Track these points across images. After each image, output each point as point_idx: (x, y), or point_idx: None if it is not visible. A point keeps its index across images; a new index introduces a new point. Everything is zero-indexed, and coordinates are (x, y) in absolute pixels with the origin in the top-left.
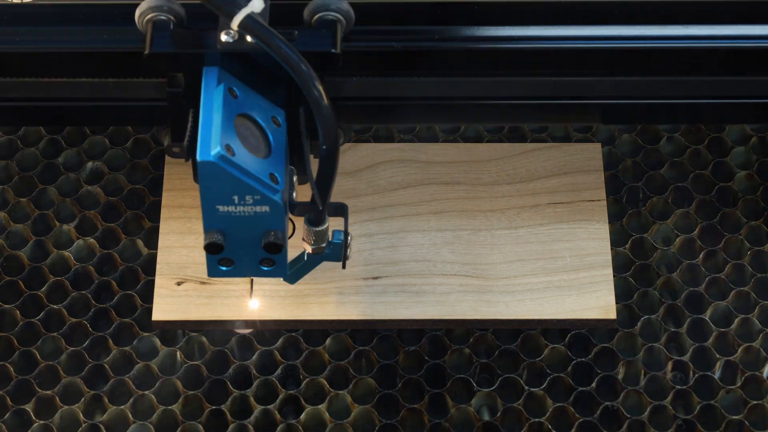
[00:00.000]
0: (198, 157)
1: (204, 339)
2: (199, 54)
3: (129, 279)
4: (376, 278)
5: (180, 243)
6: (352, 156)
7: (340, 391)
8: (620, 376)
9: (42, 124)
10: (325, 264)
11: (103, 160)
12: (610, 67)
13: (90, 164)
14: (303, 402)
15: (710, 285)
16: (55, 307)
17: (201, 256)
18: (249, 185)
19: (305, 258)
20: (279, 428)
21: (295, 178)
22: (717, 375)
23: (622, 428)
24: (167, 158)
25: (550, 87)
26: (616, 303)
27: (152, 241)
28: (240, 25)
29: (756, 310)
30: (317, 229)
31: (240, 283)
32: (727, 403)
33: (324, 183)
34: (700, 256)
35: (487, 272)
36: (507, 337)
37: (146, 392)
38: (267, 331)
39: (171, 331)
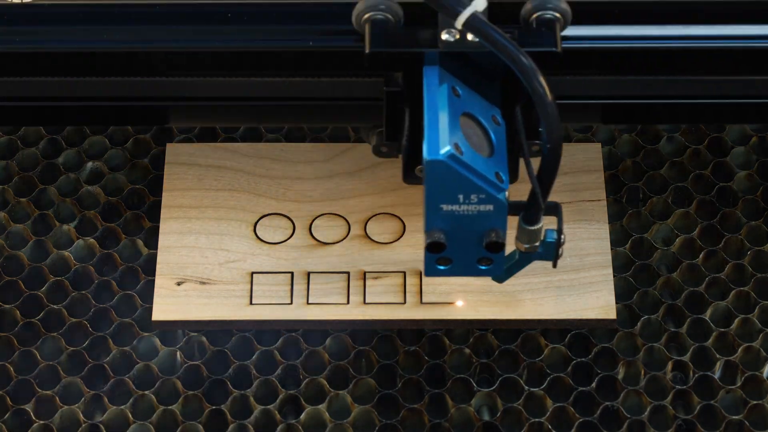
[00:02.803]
0: (427, 156)
1: (204, 339)
2: (420, 53)
3: (129, 279)
4: (376, 278)
5: (180, 243)
6: (352, 156)
7: (340, 391)
8: (620, 376)
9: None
10: (324, 264)
11: (103, 160)
12: (610, 66)
13: (90, 164)
14: (303, 402)
15: (710, 285)
16: (55, 307)
17: (201, 256)
18: (476, 184)
19: (516, 257)
20: (279, 428)
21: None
22: (717, 375)
23: (622, 428)
24: (167, 158)
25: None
26: (616, 303)
27: (152, 241)
28: (465, 24)
29: (756, 310)
30: (532, 228)
31: (240, 283)
32: (727, 403)
33: (546, 181)
34: (700, 256)
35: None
36: (507, 337)
37: (146, 392)
38: (267, 330)
39: (171, 331)
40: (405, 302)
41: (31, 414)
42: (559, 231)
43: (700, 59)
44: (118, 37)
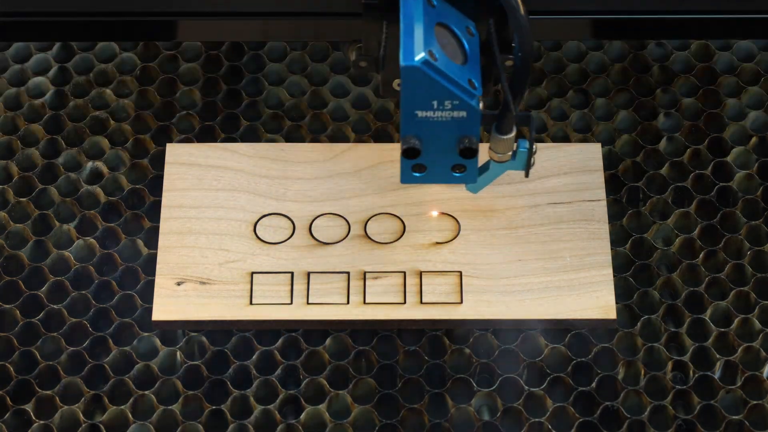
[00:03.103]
0: (402, 62)
1: (204, 339)
2: None
3: (129, 279)
4: (376, 278)
5: (180, 243)
6: (352, 156)
7: (340, 391)
8: (620, 376)
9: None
10: (325, 264)
11: (103, 160)
12: None
13: (90, 164)
14: (303, 402)
15: (710, 285)
16: (55, 307)
17: (201, 256)
18: (449, 90)
19: (489, 167)
20: (279, 428)
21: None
22: (717, 375)
23: (622, 428)
24: (167, 158)
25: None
26: (616, 303)
27: (152, 241)
28: None
29: (756, 310)
30: (505, 137)
31: (240, 283)
32: (727, 403)
33: (517, 90)
34: (700, 256)
35: (487, 272)
36: (507, 337)
37: (146, 392)
38: (267, 330)
39: (171, 331)
40: (405, 302)
41: (31, 414)
42: (531, 140)
43: None
44: None
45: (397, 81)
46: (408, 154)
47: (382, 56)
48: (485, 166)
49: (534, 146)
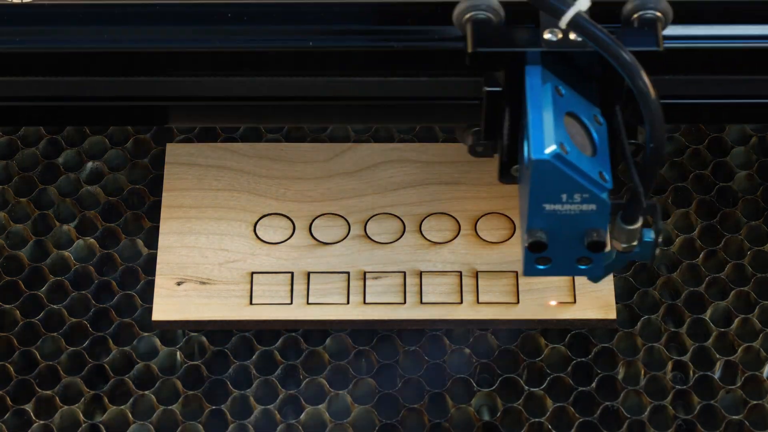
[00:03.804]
0: (533, 156)
1: (204, 339)
2: (522, 53)
3: (129, 279)
4: (376, 278)
5: (180, 243)
6: (352, 156)
7: (340, 391)
8: (620, 376)
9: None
10: (325, 264)
11: (103, 160)
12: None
13: (90, 164)
14: (303, 402)
15: (710, 285)
16: (55, 307)
17: (201, 256)
18: (580, 184)
19: (614, 256)
20: (279, 428)
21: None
22: (717, 375)
23: (622, 428)
24: (167, 158)
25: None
26: (616, 303)
27: (152, 241)
28: (569, 23)
29: (756, 310)
30: (630, 227)
31: (240, 283)
32: (727, 403)
33: (647, 180)
34: (700, 256)
35: (487, 272)
36: (507, 337)
37: (146, 392)
38: (267, 330)
39: (171, 331)
40: (405, 302)
41: (31, 414)
42: (657, 230)
43: (696, 59)
44: (119, 37)
45: (515, 167)
46: (534, 248)
47: (504, 144)
48: (608, 255)
49: (660, 236)
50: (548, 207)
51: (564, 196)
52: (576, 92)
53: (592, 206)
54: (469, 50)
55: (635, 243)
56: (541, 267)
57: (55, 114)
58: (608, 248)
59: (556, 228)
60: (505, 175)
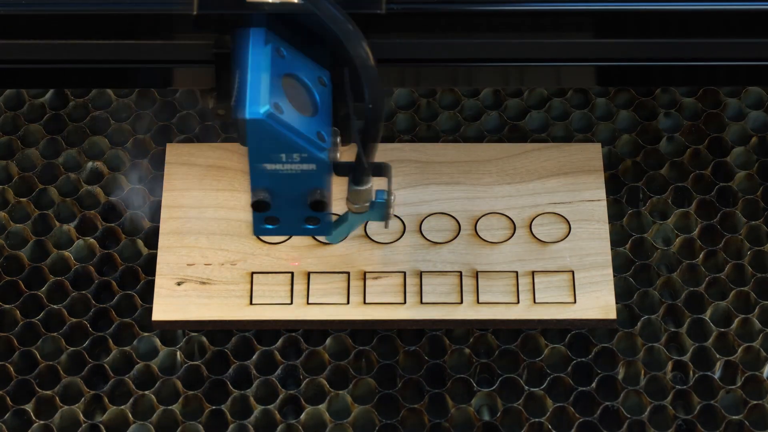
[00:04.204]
0: (246, 116)
1: (204, 339)
2: (246, 15)
3: (129, 279)
4: (376, 278)
5: (180, 243)
6: (352, 156)
7: (340, 391)
8: (620, 376)
9: (68, 86)
10: (324, 264)
11: (103, 160)
12: (606, 29)
13: (90, 164)
14: (303, 402)
15: (710, 285)
16: (55, 307)
17: (201, 257)
18: (296, 143)
19: (348, 218)
20: (279, 428)
21: (338, 139)
22: (717, 375)
23: (622, 428)
24: (167, 158)
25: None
26: (616, 303)
27: (152, 241)
28: None
29: (756, 310)
30: (360, 188)
31: (240, 283)
32: (727, 403)
33: (368, 142)
34: (700, 256)
35: (487, 272)
36: (507, 337)
37: (146, 392)
38: (267, 330)
39: (171, 331)
40: (405, 302)
41: (31, 414)
42: (389, 192)
43: (694, 21)
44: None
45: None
46: (258, 207)
47: (234, 105)
48: (344, 217)
49: (393, 197)
50: (269, 167)
51: (283, 156)
52: (303, 54)
53: (312, 166)
54: (195, 12)
55: (367, 204)
56: (269, 227)
57: (85, 76)
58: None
59: (280, 187)
60: (243, 138)
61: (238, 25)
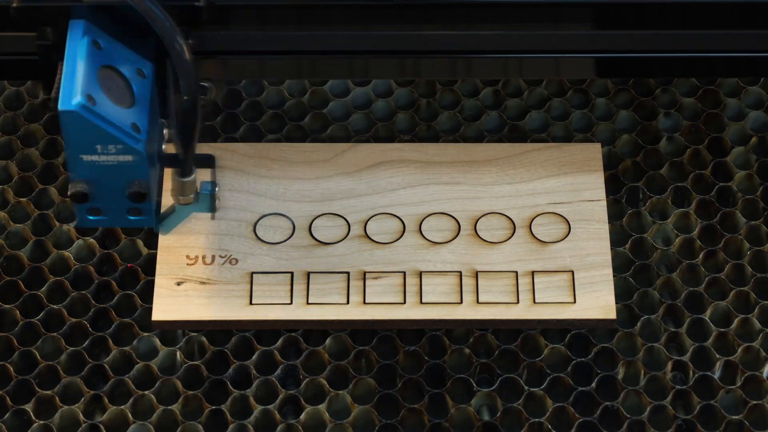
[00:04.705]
0: (59, 107)
1: (204, 339)
2: (66, 7)
3: (129, 279)
4: (376, 278)
5: (180, 243)
6: (352, 156)
7: (340, 391)
8: (620, 376)
9: None
10: (324, 264)
11: None
12: (604, 20)
13: None
14: (303, 402)
15: (710, 285)
16: (55, 307)
17: (201, 257)
18: (110, 134)
19: (176, 209)
20: (279, 428)
21: (165, 131)
22: (717, 375)
23: (622, 428)
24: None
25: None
26: (616, 303)
27: (152, 241)
28: None
29: (756, 310)
30: (184, 180)
31: (240, 283)
32: (727, 403)
33: (186, 134)
34: (700, 256)
35: (487, 272)
36: (507, 337)
37: (146, 392)
38: (267, 330)
39: (171, 331)
40: (405, 302)
41: (31, 414)
42: (213, 183)
43: (693, 12)
44: None
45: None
46: (76, 198)
47: (55, 97)
48: (171, 208)
49: (216, 187)
50: (86, 158)
51: (99, 147)
52: (125, 46)
53: (128, 157)
54: (15, 5)
55: (192, 195)
56: (92, 218)
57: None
58: (156, 198)
59: (99, 179)
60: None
61: (59, 17)
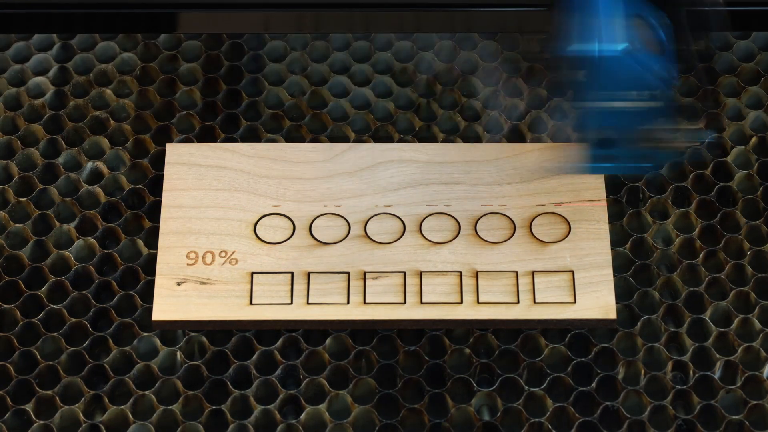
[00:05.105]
0: (603, 51)
1: (204, 339)
2: None
3: (129, 279)
4: (376, 278)
5: (180, 243)
6: (352, 156)
7: (340, 391)
8: (620, 376)
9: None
10: (324, 264)
11: (103, 160)
12: None
13: (90, 164)
14: (303, 402)
15: (710, 285)
16: (55, 307)
17: (201, 257)
18: (649, 80)
19: (680, 155)
20: (279, 428)
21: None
22: (717, 375)
23: (622, 428)
24: (167, 158)
25: None
26: (616, 303)
27: (152, 241)
28: None
29: (756, 310)
30: (693, 126)
31: (240, 283)
32: (727, 403)
33: (701, 79)
34: (700, 256)
35: (487, 272)
36: (507, 337)
37: (146, 392)
38: (267, 330)
39: (171, 331)
40: (405, 302)
41: (31, 414)
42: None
43: None
44: None
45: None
46: (600, 144)
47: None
48: (670, 153)
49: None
50: (617, 105)
51: (633, 93)
52: None
53: (659, 103)
54: None
55: (697, 142)
56: (606, 165)
57: (66, 20)
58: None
59: (623, 125)
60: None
61: None
